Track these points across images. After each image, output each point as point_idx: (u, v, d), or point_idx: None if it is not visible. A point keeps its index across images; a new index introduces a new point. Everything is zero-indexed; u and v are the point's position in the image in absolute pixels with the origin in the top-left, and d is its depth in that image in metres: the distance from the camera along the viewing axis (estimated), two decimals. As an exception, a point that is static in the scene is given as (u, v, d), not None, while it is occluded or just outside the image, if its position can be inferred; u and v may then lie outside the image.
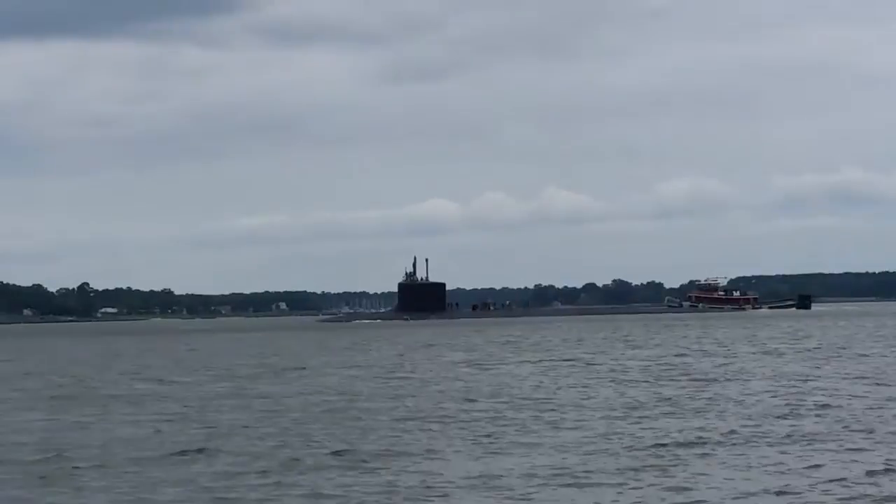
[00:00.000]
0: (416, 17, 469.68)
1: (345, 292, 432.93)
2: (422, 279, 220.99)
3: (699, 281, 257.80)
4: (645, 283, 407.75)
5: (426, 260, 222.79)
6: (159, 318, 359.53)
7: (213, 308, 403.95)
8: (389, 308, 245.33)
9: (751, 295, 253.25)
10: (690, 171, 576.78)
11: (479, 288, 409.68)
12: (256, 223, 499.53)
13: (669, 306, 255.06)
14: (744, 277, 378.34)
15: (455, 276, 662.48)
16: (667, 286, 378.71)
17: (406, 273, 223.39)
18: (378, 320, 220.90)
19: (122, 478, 24.31)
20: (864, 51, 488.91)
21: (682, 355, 65.11)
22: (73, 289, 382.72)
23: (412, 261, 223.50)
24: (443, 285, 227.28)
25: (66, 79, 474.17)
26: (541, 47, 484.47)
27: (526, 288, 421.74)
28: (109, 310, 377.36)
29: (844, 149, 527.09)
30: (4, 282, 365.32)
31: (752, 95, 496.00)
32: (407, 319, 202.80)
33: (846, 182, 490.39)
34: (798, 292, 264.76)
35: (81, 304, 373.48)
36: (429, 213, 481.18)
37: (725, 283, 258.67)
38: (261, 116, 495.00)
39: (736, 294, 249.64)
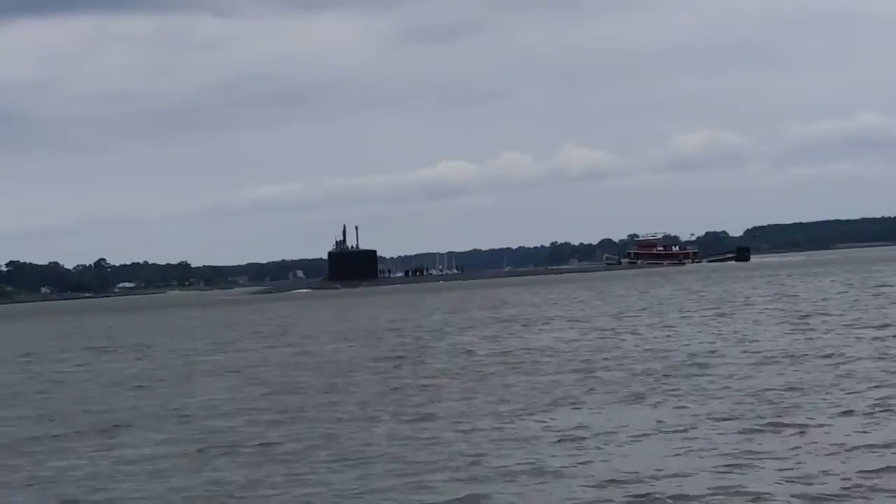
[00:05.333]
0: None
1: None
2: (352, 247, 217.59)
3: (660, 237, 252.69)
4: (661, 235, 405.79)
5: (356, 227, 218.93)
6: (177, 291, 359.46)
7: (229, 279, 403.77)
8: (322, 277, 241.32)
9: (690, 249, 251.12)
10: (706, 124, 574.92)
11: (497, 248, 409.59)
12: (272, 192, 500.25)
13: (608, 264, 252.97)
14: (759, 227, 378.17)
15: (472, 238, 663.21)
16: (683, 238, 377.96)
17: (336, 241, 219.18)
18: (307, 289, 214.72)
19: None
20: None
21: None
22: (90, 265, 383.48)
23: (342, 229, 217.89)
24: (373, 252, 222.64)
25: (81, 55, 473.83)
26: (552, 5, 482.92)
27: (542, 246, 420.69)
28: (127, 284, 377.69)
29: (859, 94, 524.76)
30: (22, 260, 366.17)
31: (766, 46, 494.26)
32: (338, 288, 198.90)
33: (861, 127, 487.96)
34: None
35: (98, 280, 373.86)
36: (445, 175, 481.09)
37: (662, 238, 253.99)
38: (275, 85, 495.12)
39: (675, 249, 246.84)
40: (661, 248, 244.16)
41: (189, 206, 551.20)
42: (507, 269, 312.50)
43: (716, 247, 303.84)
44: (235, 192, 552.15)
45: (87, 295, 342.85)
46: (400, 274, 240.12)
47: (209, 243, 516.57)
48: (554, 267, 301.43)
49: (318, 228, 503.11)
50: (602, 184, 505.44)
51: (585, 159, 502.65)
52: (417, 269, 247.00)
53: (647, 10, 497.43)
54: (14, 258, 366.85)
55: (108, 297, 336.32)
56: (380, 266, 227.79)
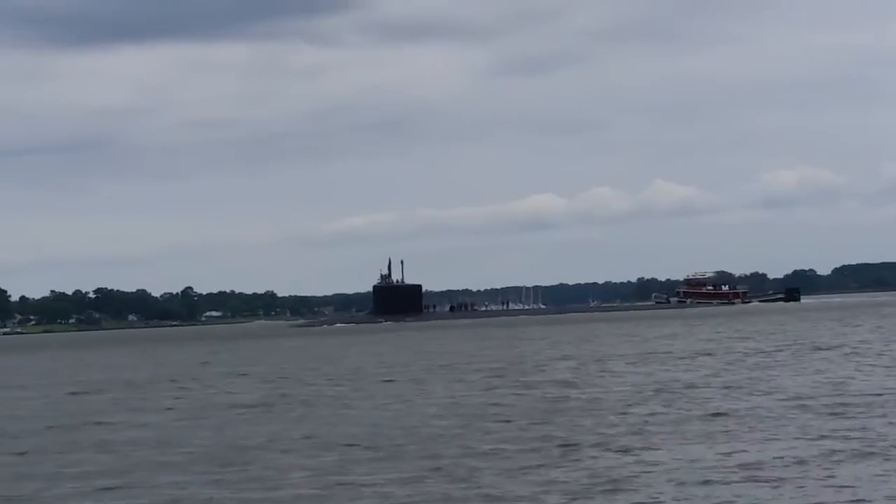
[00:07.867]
0: (524, 10, 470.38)
1: (447, 290, 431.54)
2: (397, 281, 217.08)
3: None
4: (748, 273, 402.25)
5: (401, 262, 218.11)
6: (263, 321, 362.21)
7: (315, 309, 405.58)
8: (366, 311, 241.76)
9: (740, 289, 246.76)
10: (800, 161, 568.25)
11: (583, 282, 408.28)
12: (362, 222, 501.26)
13: (657, 303, 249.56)
14: (848, 266, 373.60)
15: (559, 272, 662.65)
16: (770, 277, 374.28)
17: (381, 275, 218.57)
18: (352, 324, 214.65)
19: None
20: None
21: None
22: (177, 293, 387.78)
23: (387, 263, 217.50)
24: (419, 287, 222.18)
25: (176, 82, 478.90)
26: (650, 38, 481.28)
27: (629, 282, 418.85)
28: (213, 313, 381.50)
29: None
30: (109, 288, 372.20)
31: (862, 83, 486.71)
32: (381, 322, 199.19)
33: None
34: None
35: (185, 308, 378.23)
36: (535, 208, 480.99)
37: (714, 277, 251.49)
38: (370, 115, 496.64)
39: (724, 288, 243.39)
40: (710, 288, 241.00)
41: (278, 234, 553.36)
42: (594, 303, 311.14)
43: (802, 285, 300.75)
44: (325, 222, 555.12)
45: (174, 323, 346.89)
46: (445, 309, 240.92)
47: (297, 273, 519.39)
48: (639, 304, 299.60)
49: (408, 260, 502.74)
50: (691, 220, 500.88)
51: (675, 195, 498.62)
52: (463, 304, 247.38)
53: (745, 44, 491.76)
54: (102, 285, 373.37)
55: (194, 325, 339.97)
56: (424, 301, 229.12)
